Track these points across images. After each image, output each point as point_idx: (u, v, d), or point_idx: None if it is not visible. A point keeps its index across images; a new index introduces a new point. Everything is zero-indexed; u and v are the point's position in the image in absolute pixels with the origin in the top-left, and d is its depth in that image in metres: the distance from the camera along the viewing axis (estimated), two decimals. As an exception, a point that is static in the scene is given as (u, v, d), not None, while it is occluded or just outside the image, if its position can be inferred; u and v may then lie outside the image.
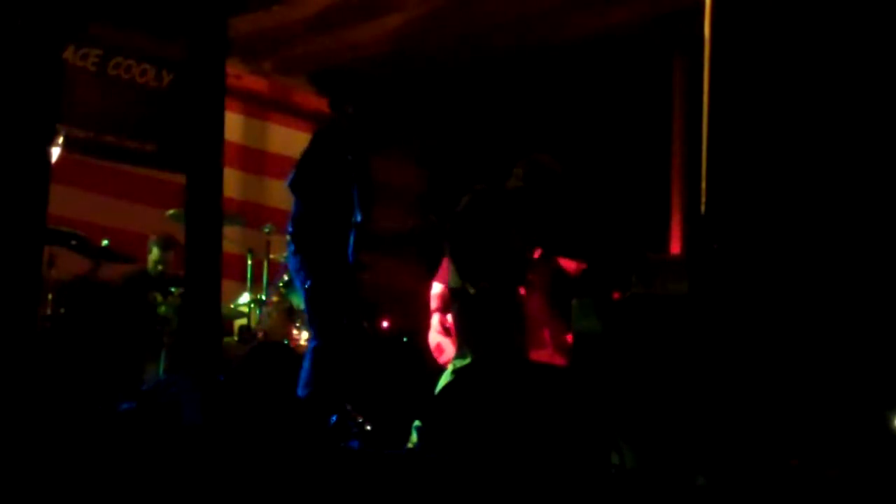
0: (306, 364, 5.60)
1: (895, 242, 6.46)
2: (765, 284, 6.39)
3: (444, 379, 5.90)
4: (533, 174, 6.15)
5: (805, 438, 5.52)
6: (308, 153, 5.80)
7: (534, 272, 6.85)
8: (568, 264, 7.26)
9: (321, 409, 5.41)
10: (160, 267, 7.32)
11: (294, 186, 5.74)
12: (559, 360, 7.20)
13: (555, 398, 5.20)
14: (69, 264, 6.46)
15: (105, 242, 6.69)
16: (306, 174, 5.72)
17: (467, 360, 5.80)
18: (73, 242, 6.28)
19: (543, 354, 7.26)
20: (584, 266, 7.26)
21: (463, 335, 5.91)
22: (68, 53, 7.49)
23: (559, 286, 7.21)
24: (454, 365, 5.92)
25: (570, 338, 7.31)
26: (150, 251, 7.39)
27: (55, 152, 4.95)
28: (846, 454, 5.46)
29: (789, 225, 6.85)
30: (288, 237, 5.85)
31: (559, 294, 7.26)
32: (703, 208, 5.65)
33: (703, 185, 5.71)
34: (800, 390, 5.63)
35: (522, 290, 6.86)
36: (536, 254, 6.87)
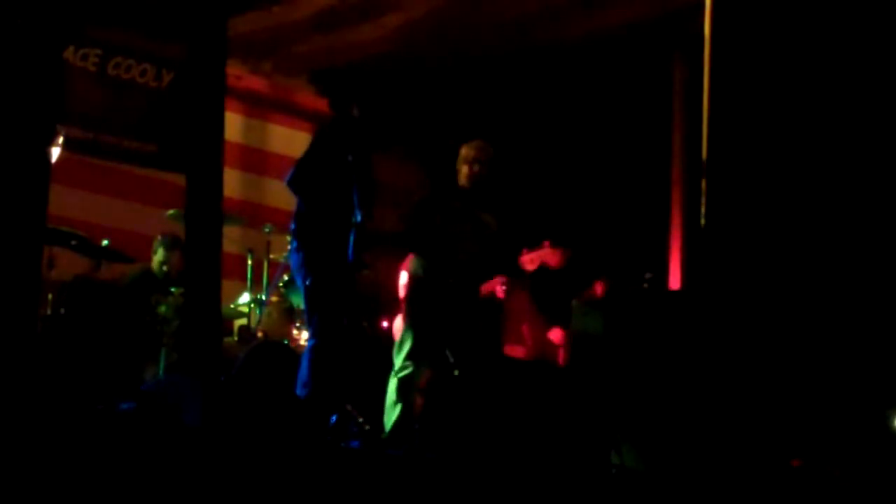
0: (305, 363, 5.60)
1: (895, 243, 6.45)
2: (765, 285, 6.39)
3: (393, 380, 5.91)
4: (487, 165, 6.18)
5: (806, 438, 5.52)
6: (309, 152, 5.80)
7: (517, 272, 6.88)
8: (551, 259, 7.25)
9: (321, 409, 5.40)
10: (165, 268, 7.30)
11: (292, 184, 5.75)
12: (537, 357, 7.22)
13: (535, 395, 5.20)
14: (69, 264, 6.45)
15: (105, 242, 6.68)
16: (305, 173, 5.72)
17: (407, 347, 5.82)
18: (73, 242, 6.27)
19: (520, 351, 7.28)
20: (562, 261, 7.28)
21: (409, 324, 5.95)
22: (68, 53, 7.47)
23: (541, 282, 7.24)
24: (397, 363, 5.92)
25: (551, 334, 7.33)
26: (154, 252, 7.36)
27: (55, 152, 4.95)
28: (847, 454, 5.46)
29: (789, 225, 6.84)
30: (290, 235, 5.86)
31: (541, 291, 7.28)
32: (703, 208, 5.65)
33: (704, 185, 5.71)
34: (800, 391, 5.63)
35: (500, 294, 6.89)
36: (532, 264, 6.88)
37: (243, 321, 7.24)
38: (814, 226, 6.70)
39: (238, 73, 8.43)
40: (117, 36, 7.92)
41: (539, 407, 5.19)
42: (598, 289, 7.21)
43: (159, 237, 7.35)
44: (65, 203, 6.66)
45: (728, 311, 5.77)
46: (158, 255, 7.33)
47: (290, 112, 9.16)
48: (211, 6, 5.17)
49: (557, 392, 5.39)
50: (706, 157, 5.73)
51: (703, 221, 5.71)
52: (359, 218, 5.61)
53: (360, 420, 5.95)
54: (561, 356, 7.27)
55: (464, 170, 6.23)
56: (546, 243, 6.98)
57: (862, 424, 5.56)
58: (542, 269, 7.15)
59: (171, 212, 7.03)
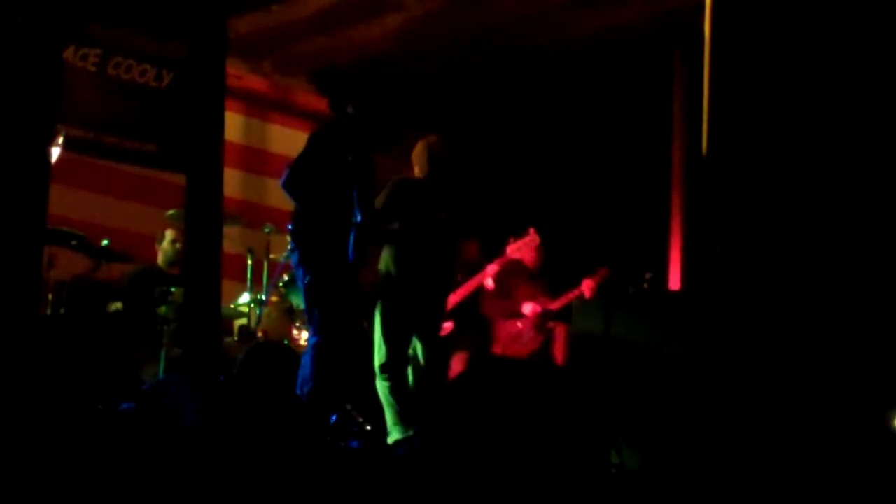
0: (308, 361, 5.59)
1: (895, 242, 6.45)
2: (765, 284, 6.39)
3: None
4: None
5: (805, 437, 5.52)
6: (303, 154, 5.80)
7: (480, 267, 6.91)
8: (524, 254, 7.26)
9: (322, 408, 5.40)
10: (178, 245, 7.25)
11: (287, 186, 5.75)
12: (511, 353, 7.23)
13: (535, 395, 5.19)
14: (69, 264, 6.45)
15: (105, 242, 6.68)
16: (299, 175, 5.72)
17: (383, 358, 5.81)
18: (73, 242, 6.27)
19: (496, 349, 7.29)
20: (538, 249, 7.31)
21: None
22: (68, 53, 7.47)
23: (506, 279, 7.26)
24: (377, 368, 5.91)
25: (515, 328, 7.34)
26: (161, 238, 7.34)
27: (55, 152, 4.95)
28: (846, 453, 5.46)
29: (789, 225, 6.84)
30: (288, 235, 5.87)
31: (506, 286, 7.31)
32: (703, 208, 5.65)
33: (704, 184, 5.71)
34: (800, 390, 5.63)
35: (490, 285, 6.89)
36: (519, 252, 6.88)
37: (243, 321, 7.24)
38: (814, 225, 6.70)
39: (238, 73, 8.43)
40: (117, 36, 7.91)
41: (539, 407, 5.18)
42: (586, 288, 7.21)
43: (167, 227, 7.31)
44: (65, 203, 6.67)
45: (728, 312, 5.77)
46: (168, 236, 7.31)
47: (290, 112, 9.15)
48: (211, 6, 5.17)
49: (557, 392, 5.39)
50: (706, 157, 5.73)
51: (702, 221, 5.70)
52: (359, 218, 5.62)
53: (360, 420, 5.95)
54: (530, 351, 7.29)
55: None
56: (531, 230, 6.99)
57: (862, 424, 5.56)
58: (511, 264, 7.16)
59: (171, 212, 7.03)
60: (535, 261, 7.44)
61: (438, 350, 6.01)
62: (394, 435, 5.76)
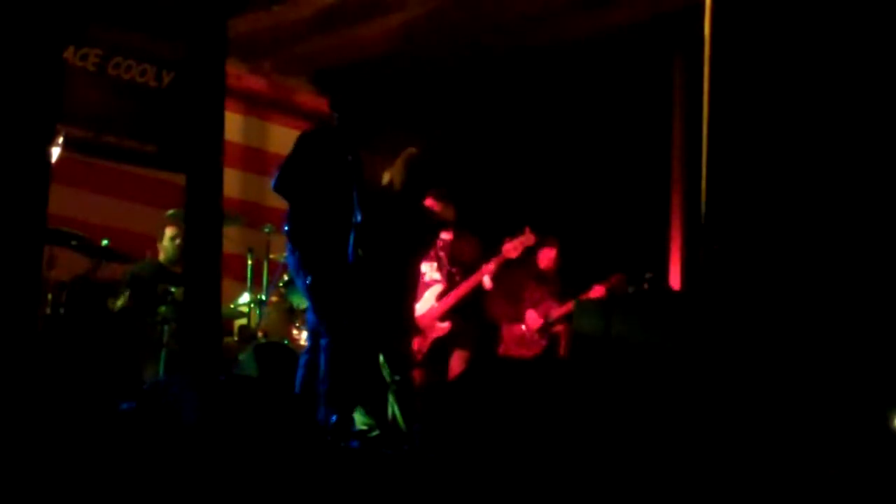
0: (322, 360, 5.55)
1: (895, 242, 6.46)
2: (765, 284, 6.39)
3: None
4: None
5: (806, 438, 5.52)
6: (291, 156, 5.80)
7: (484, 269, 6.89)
8: (542, 258, 7.26)
9: (338, 407, 5.40)
10: (178, 241, 7.28)
11: (277, 189, 5.75)
12: (516, 354, 7.24)
13: (535, 395, 5.19)
14: (69, 264, 6.46)
15: (105, 242, 6.69)
16: (289, 176, 5.72)
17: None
18: (73, 242, 6.28)
19: (501, 350, 7.31)
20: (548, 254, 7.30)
21: None
22: (68, 53, 7.48)
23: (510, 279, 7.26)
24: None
25: (520, 330, 7.35)
26: (161, 236, 7.38)
27: (55, 152, 4.95)
28: (846, 453, 5.46)
29: (789, 225, 6.85)
30: (285, 235, 5.87)
31: (510, 287, 7.30)
32: (703, 208, 5.65)
33: (704, 185, 5.71)
34: (800, 390, 5.63)
35: (489, 284, 6.83)
36: (516, 251, 6.88)
37: (243, 321, 7.24)
38: (814, 225, 6.71)
39: (238, 73, 8.43)
40: (117, 36, 7.92)
41: (538, 407, 5.19)
42: (596, 295, 7.22)
43: (168, 223, 7.35)
44: (65, 203, 6.67)
45: (728, 311, 5.77)
46: (168, 233, 7.34)
47: (290, 112, 9.16)
48: (211, 6, 5.16)
49: (557, 392, 5.39)
50: (706, 157, 5.72)
51: (703, 221, 5.70)
52: (359, 218, 5.60)
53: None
54: (534, 353, 7.29)
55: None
56: (527, 229, 7.01)
57: (862, 424, 5.56)
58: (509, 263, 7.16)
59: (171, 212, 7.04)
60: (551, 264, 7.47)
61: (400, 364, 5.95)
62: (357, 424, 5.77)
